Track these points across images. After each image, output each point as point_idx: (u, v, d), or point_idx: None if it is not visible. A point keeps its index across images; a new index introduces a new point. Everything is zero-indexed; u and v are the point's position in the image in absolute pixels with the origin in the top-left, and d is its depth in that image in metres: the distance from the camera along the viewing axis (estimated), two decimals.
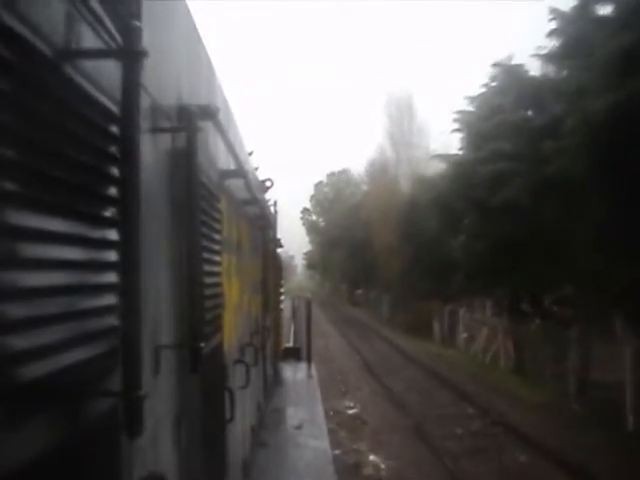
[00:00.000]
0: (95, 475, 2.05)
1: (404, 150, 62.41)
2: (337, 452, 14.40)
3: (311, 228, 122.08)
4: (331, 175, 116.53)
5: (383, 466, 16.23)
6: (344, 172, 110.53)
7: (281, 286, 18.59)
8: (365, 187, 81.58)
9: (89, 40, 2.05)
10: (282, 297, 19.19)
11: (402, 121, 63.12)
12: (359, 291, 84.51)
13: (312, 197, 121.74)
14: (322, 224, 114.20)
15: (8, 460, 1.47)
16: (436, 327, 41.42)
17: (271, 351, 13.67)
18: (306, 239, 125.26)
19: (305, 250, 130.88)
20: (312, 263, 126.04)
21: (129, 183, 2.15)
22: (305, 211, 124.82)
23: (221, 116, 4.25)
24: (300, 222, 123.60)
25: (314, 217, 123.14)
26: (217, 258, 4.73)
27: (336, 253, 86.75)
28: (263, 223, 10.44)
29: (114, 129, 2.20)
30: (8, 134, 1.50)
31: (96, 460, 2.07)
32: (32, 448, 1.59)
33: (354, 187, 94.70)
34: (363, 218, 67.74)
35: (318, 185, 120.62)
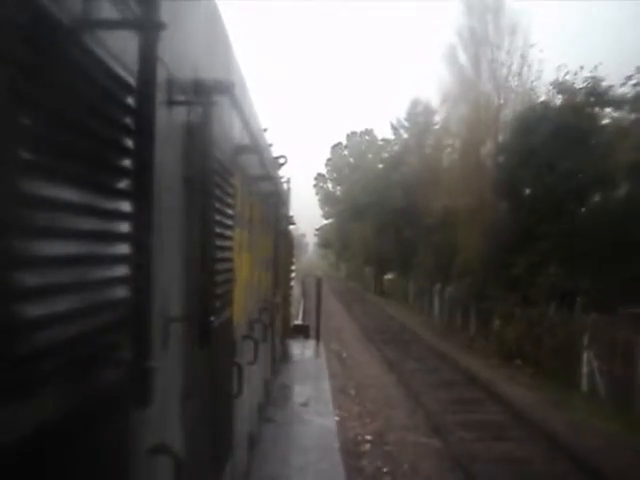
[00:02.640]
0: (103, 444, 2.07)
1: (487, 54, 37.60)
2: None
3: (326, 199, 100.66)
4: (352, 135, 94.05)
5: None
6: (367, 133, 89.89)
7: (292, 264, 18.64)
8: (396, 145, 63.76)
9: (107, 11, 2.04)
10: (292, 275, 19.25)
11: (485, 14, 37.90)
12: (389, 276, 65.20)
13: (328, 161, 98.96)
14: (339, 194, 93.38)
15: (18, 426, 1.49)
16: (587, 369, 20.21)
17: (280, 328, 13.72)
18: (318, 213, 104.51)
19: (317, 226, 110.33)
20: (326, 241, 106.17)
21: (143, 155, 2.15)
22: (319, 177, 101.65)
23: (237, 91, 4.23)
24: (313, 192, 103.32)
25: (330, 186, 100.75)
26: (229, 233, 4.73)
27: (359, 227, 68.44)
28: (276, 200, 10.43)
29: (130, 101, 2.20)
30: (24, 103, 1.50)
31: (104, 429, 2.09)
32: (42, 415, 1.60)
33: (379, 149, 74.22)
34: (402, 178, 51.52)
35: (336, 147, 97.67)
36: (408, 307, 50.05)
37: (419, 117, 58.05)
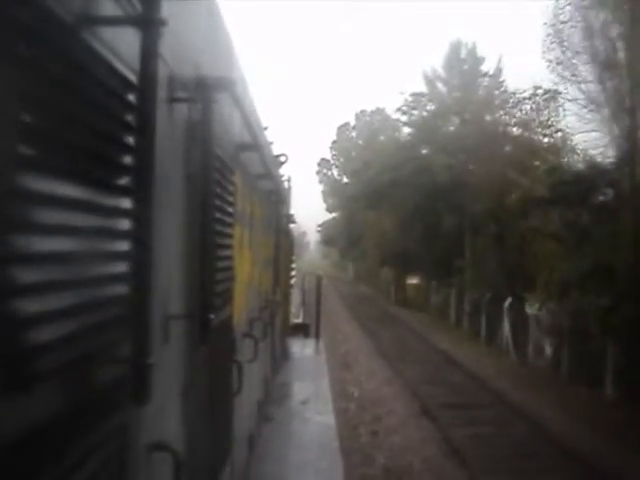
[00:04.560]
0: (102, 441, 2.07)
1: None
2: None
3: (331, 188, 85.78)
4: (361, 115, 79.79)
5: None
6: (379, 112, 74.66)
7: (292, 262, 18.67)
8: (431, 102, 43.76)
9: (108, 8, 2.04)
10: (293, 273, 19.29)
11: None
12: (413, 281, 48.78)
13: (334, 143, 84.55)
14: (347, 180, 75.72)
15: (17, 422, 1.49)
16: None
17: (280, 326, 13.73)
18: (321, 207, 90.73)
19: (320, 222, 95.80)
20: (329, 238, 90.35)
21: (144, 152, 2.15)
22: (323, 163, 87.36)
23: (237, 88, 4.23)
24: (316, 188, 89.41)
25: (335, 173, 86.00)
26: (229, 231, 4.73)
27: (374, 218, 53.61)
28: (276, 198, 10.43)
29: (131, 97, 2.20)
30: (26, 100, 1.50)
31: (103, 426, 2.08)
32: (41, 411, 1.60)
33: (393, 130, 56.15)
34: (444, 144, 37.17)
35: (342, 128, 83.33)
36: (454, 329, 34.38)
37: (463, 64, 43.49)
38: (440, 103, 43.03)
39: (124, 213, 2.19)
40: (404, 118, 46.78)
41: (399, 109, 46.12)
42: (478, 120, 34.73)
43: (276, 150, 11.30)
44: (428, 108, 44.49)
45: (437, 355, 26.99)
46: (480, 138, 33.35)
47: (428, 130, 40.81)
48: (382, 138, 62.58)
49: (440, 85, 44.89)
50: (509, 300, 26.26)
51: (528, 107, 33.66)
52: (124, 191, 2.19)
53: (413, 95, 45.29)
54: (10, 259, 1.45)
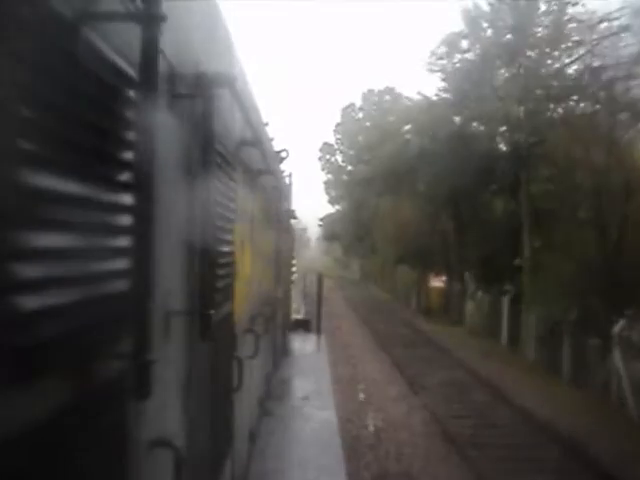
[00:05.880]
0: (102, 437, 2.07)
1: None
2: None
3: (335, 177, 77.06)
4: (368, 94, 69.95)
5: None
6: (388, 91, 65.65)
7: (293, 258, 18.69)
8: (470, 50, 32.96)
9: (110, 3, 2.03)
10: (294, 269, 19.32)
11: None
12: (437, 283, 38.59)
13: (338, 126, 75.05)
14: (352, 168, 68.91)
15: (18, 418, 1.49)
16: None
17: (281, 322, 13.73)
18: (324, 201, 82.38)
19: (321, 215, 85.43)
20: (332, 232, 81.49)
21: (145, 148, 2.15)
22: (326, 148, 78.14)
23: (238, 84, 4.22)
24: (317, 173, 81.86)
25: (340, 159, 76.53)
26: (230, 227, 4.73)
27: (390, 205, 43.68)
28: (277, 194, 10.43)
29: (131, 93, 2.20)
30: (26, 96, 1.50)
31: (104, 422, 2.08)
32: (42, 407, 1.60)
33: (404, 111, 44.89)
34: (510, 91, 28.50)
35: (347, 109, 73.93)
36: (511, 355, 24.84)
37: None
38: (488, 47, 31.62)
39: (125, 209, 2.19)
40: (439, 64, 35.69)
41: (433, 53, 35.54)
42: (539, 67, 26.10)
43: (277, 145, 11.29)
44: (469, 57, 33.71)
45: (526, 427, 15.64)
46: (549, 90, 25.25)
47: (472, 83, 31.03)
48: (391, 119, 51.96)
49: (485, 25, 32.94)
50: (621, 323, 17.32)
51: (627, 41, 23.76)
52: (125, 187, 2.19)
53: (451, 35, 34.35)
54: (12, 255, 1.45)
